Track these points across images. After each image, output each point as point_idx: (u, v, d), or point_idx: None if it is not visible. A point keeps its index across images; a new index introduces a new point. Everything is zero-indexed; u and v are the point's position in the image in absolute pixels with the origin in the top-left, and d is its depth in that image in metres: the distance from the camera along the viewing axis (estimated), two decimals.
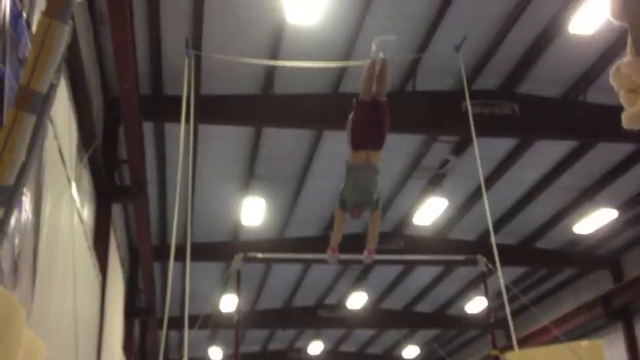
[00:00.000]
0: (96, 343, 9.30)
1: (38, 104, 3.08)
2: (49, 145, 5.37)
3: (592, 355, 7.29)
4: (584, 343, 7.74)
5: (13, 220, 4.01)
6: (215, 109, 10.56)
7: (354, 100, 6.42)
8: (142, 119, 9.25)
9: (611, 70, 3.25)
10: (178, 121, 7.00)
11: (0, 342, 3.21)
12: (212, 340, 23.34)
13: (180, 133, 6.99)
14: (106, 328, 9.73)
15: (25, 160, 2.68)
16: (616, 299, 16.51)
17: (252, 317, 20.35)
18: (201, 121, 10.09)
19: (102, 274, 9.42)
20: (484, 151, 9.46)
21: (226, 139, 12.22)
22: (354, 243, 8.14)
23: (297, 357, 25.78)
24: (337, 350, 26.37)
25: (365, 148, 6.37)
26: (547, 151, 12.82)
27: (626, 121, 3.21)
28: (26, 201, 4.47)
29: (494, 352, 8.29)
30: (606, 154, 12.79)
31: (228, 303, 17.39)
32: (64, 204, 6.29)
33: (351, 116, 6.40)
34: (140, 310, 16.70)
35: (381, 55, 6.16)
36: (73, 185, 6.87)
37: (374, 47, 6.20)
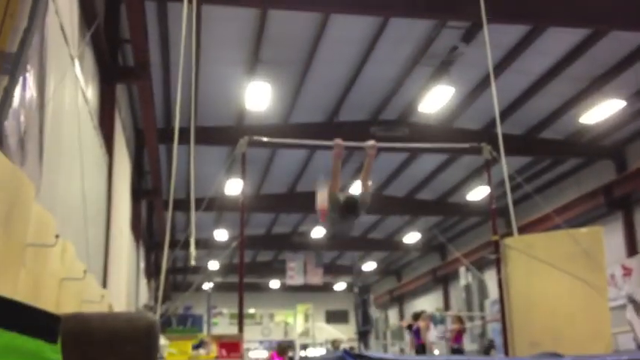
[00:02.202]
0: (104, 221, 9.51)
1: None
2: (51, 21, 5.26)
3: (591, 240, 7.41)
4: (583, 229, 7.86)
5: (17, 97, 3.99)
6: None
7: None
8: None
9: None
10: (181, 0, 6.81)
11: (10, 216, 3.28)
12: (218, 223, 23.87)
13: (183, 12, 6.83)
14: (113, 206, 9.90)
15: (27, 26, 2.62)
16: (617, 189, 16.70)
17: (257, 201, 20.69)
18: (205, 1, 9.85)
19: (108, 154, 9.50)
20: (494, 39, 9.26)
21: (231, 21, 11.96)
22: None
23: (300, 240, 26.43)
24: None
25: None
26: (558, 39, 12.55)
27: None
28: (30, 78, 4.42)
29: (494, 238, 8.45)
30: (618, 43, 12.53)
31: (234, 187, 17.62)
32: (67, 83, 6.24)
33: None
34: (147, 192, 16.98)
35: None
36: (77, 64, 6.79)
37: None
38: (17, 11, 2.63)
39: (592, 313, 7.19)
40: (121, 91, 11.12)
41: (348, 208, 7.11)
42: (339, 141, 7.38)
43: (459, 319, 17.44)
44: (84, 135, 7.24)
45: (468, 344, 21.41)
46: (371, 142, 7.61)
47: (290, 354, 16.35)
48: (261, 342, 32.71)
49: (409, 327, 17.59)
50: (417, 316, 16.66)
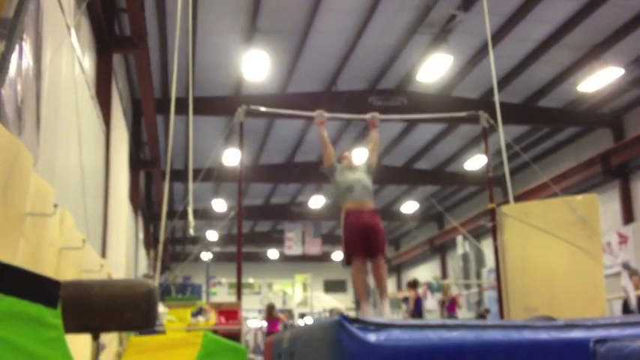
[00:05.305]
0: (103, 191, 9.53)
1: None
2: None
3: (586, 208, 7.43)
4: (579, 196, 7.87)
5: (14, 66, 3.98)
6: None
7: None
8: None
9: None
10: None
11: (8, 186, 3.29)
12: (216, 193, 23.92)
13: None
14: (111, 177, 9.92)
15: None
16: (615, 157, 16.72)
17: (255, 171, 20.71)
18: None
19: (106, 124, 9.49)
20: (492, 7, 9.21)
21: None
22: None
23: (298, 210, 26.49)
24: (338, 204, 27.05)
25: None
26: (557, 7, 12.47)
27: None
28: (26, 47, 4.41)
29: (491, 206, 8.49)
30: (617, 10, 12.45)
31: (231, 157, 17.63)
32: (64, 52, 6.21)
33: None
34: (145, 162, 16.98)
35: None
36: (73, 33, 6.75)
37: None
38: None
39: (587, 279, 7.24)
40: (117, 61, 11.07)
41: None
42: (321, 112, 7.56)
43: (445, 289, 17.77)
44: (81, 105, 7.22)
45: (465, 312, 21.64)
46: (372, 114, 7.80)
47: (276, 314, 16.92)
48: (260, 311, 32.90)
49: (405, 299, 17.74)
50: (414, 284, 16.63)
